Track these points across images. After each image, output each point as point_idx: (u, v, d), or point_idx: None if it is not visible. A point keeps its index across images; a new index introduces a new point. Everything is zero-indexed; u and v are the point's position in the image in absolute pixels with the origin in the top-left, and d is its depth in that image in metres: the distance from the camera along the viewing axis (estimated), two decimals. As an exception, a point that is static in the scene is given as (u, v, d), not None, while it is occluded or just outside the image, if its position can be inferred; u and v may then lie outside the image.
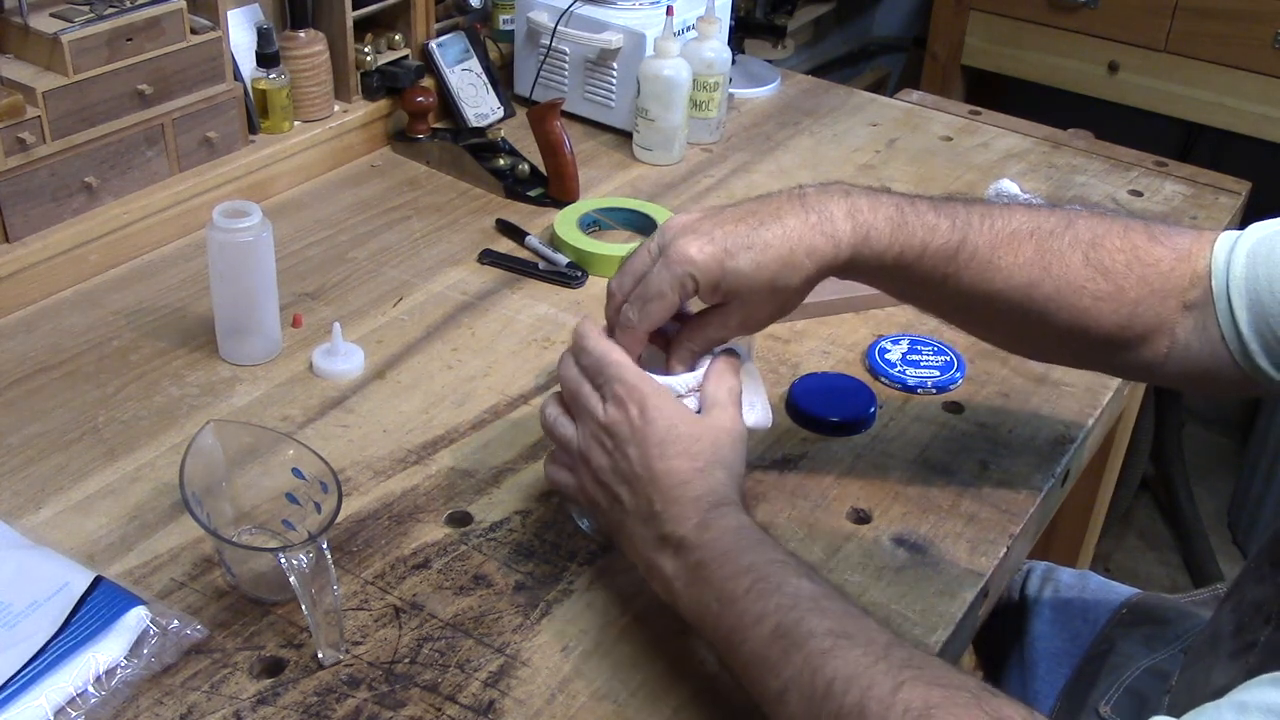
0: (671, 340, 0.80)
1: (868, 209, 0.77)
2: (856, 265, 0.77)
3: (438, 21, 1.41)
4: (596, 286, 1.16)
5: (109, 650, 0.72)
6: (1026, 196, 1.25)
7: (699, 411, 0.78)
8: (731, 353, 0.81)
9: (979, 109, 1.60)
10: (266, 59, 1.23)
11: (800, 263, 0.75)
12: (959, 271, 0.78)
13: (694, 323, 0.80)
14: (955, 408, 1.02)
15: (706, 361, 0.80)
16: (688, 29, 1.42)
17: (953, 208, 0.79)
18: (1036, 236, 0.79)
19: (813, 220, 0.76)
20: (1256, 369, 0.79)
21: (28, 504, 0.86)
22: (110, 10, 1.08)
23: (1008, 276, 0.78)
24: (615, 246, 1.20)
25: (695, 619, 0.71)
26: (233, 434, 0.83)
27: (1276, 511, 2.20)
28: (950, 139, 1.51)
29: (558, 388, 0.81)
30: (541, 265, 1.17)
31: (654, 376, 0.78)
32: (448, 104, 1.40)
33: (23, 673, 0.70)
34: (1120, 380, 1.06)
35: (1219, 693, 0.71)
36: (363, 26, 1.34)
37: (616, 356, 0.76)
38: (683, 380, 0.78)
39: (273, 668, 0.75)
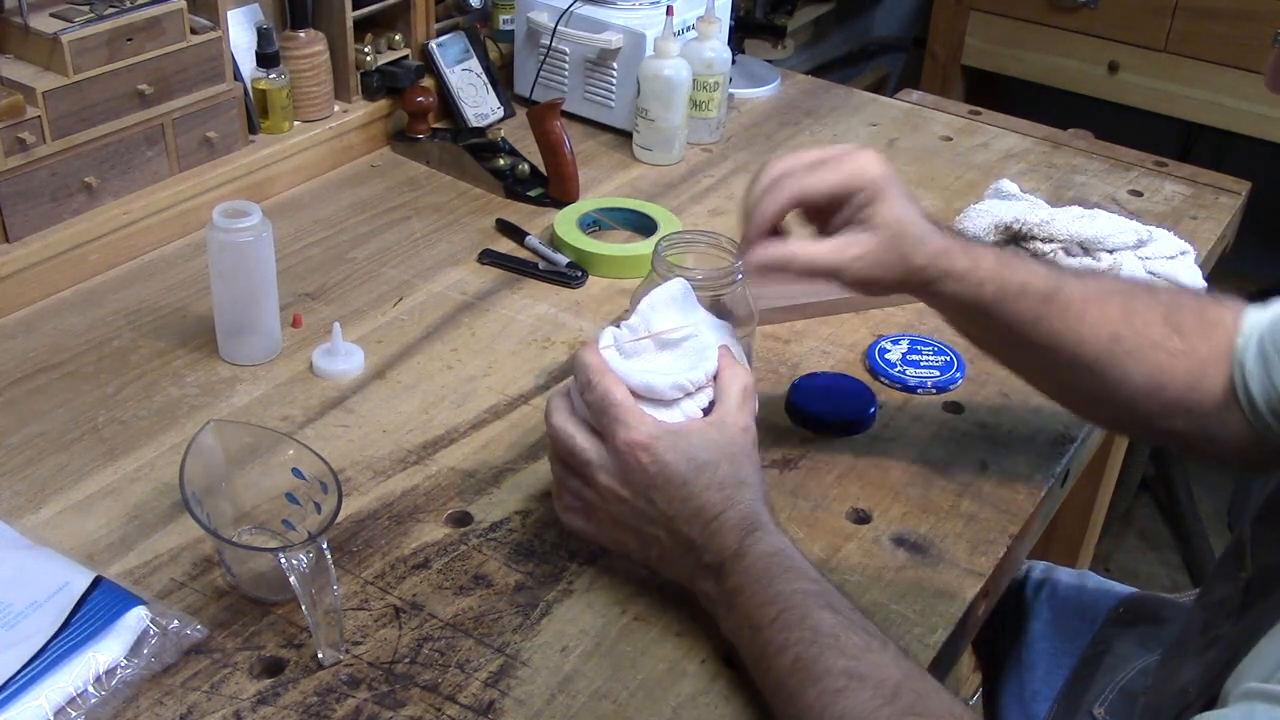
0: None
1: (977, 246, 0.84)
2: (958, 284, 0.82)
3: (438, 21, 1.41)
4: (596, 286, 1.16)
5: (109, 650, 0.72)
6: (1026, 196, 1.25)
7: (708, 408, 0.79)
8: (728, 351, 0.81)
9: (979, 109, 1.60)
10: (266, 59, 1.23)
11: (929, 235, 0.81)
12: (1051, 315, 0.82)
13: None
14: (955, 408, 1.02)
15: (708, 363, 0.80)
16: (688, 29, 1.42)
17: (1050, 264, 0.87)
18: (1123, 295, 0.84)
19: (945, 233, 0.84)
20: (1259, 417, 0.81)
21: (28, 504, 0.86)
22: (110, 10, 1.08)
23: (1094, 326, 0.82)
24: (615, 246, 1.20)
25: (732, 639, 0.74)
26: (233, 434, 0.83)
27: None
28: (950, 139, 1.51)
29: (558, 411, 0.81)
30: (541, 265, 1.17)
31: (660, 372, 0.78)
32: (448, 104, 1.40)
33: (23, 673, 0.70)
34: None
35: (1184, 690, 0.72)
36: (363, 26, 1.34)
37: (619, 396, 0.77)
38: (690, 378, 0.78)
39: (273, 668, 0.75)
